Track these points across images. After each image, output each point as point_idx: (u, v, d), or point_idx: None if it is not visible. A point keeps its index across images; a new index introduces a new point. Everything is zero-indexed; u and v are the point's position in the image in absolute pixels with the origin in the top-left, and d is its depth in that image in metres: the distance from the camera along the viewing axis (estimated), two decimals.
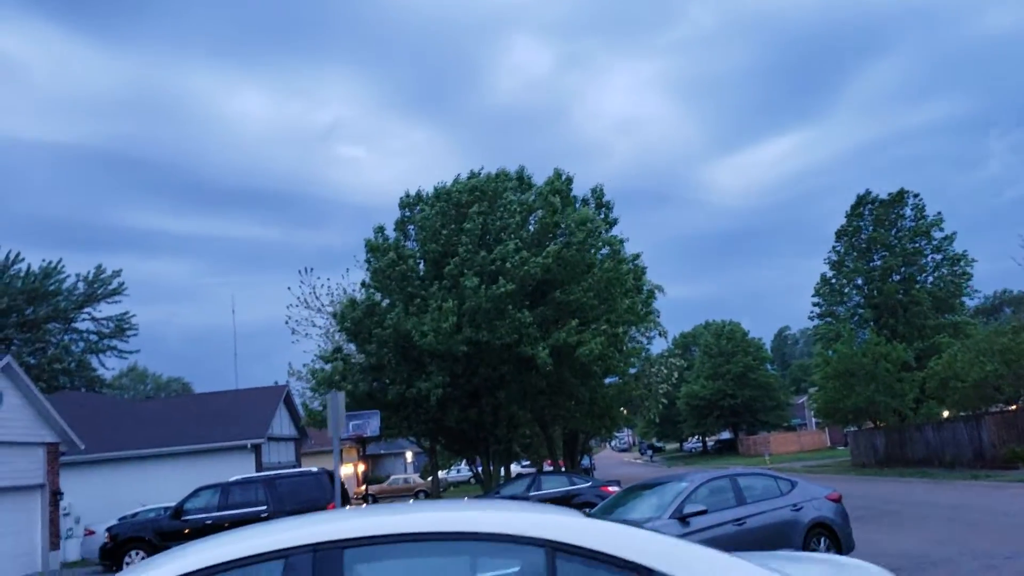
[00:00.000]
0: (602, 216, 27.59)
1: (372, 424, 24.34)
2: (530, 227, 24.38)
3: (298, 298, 40.39)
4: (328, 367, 25.01)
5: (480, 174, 25.80)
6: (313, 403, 27.63)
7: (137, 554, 18.69)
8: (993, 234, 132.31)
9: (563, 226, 23.70)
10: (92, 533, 22.16)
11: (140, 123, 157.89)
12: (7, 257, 41.35)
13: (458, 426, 25.05)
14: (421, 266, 24.97)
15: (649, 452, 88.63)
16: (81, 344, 40.57)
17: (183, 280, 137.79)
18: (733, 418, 75.47)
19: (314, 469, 22.20)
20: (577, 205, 26.41)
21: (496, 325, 22.89)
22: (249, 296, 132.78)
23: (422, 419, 25.43)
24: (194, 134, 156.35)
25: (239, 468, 29.44)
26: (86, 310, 42.57)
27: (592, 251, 24.10)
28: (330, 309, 40.18)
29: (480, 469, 28.34)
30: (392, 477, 47.96)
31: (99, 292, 42.13)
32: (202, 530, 18.99)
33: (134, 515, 22.03)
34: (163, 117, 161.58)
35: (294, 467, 34.40)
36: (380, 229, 26.75)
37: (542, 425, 26.82)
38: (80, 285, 42.08)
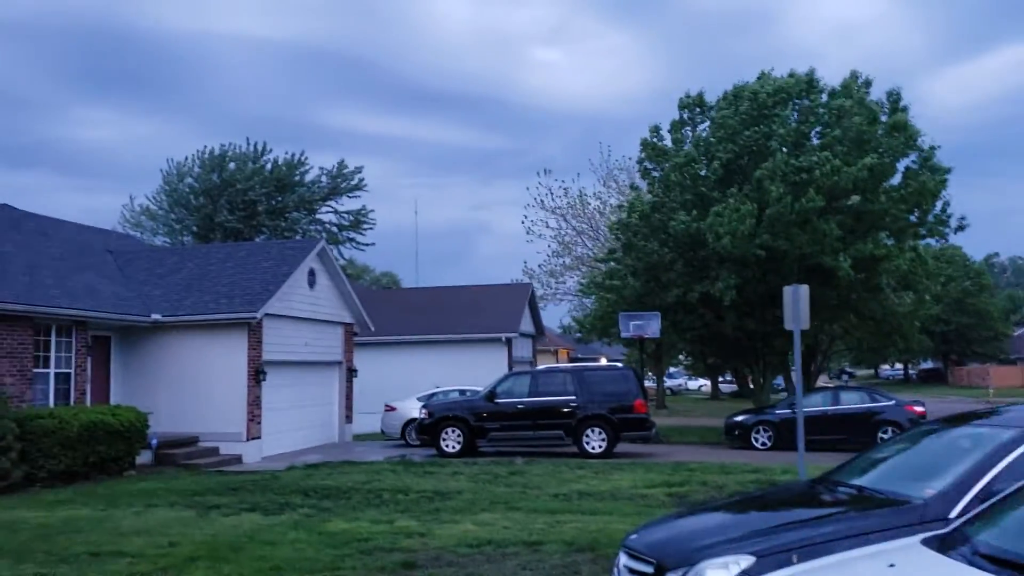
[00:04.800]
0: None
1: (652, 326, 24.34)
2: (836, 133, 22.87)
3: (535, 199, 41.10)
4: (604, 267, 24.95)
5: (770, 74, 24.44)
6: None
7: (453, 431, 19.62)
8: None
9: (876, 135, 22.11)
10: (392, 409, 23.53)
11: (344, 22, 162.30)
12: (255, 148, 43.83)
13: (734, 334, 24.55)
14: (712, 168, 24.13)
15: (845, 377, 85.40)
16: (324, 235, 42.74)
17: (374, 180, 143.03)
18: (944, 346, 71.10)
19: (620, 364, 22.53)
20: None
21: (795, 233, 21.94)
22: (436, 198, 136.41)
23: (695, 324, 25.12)
24: (395, 34, 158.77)
25: (492, 359, 30.46)
26: (329, 202, 44.77)
27: (902, 158, 22.46)
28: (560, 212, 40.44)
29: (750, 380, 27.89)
30: None
31: (342, 186, 44.09)
32: (514, 414, 19.73)
33: (431, 395, 23.12)
34: (365, 16, 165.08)
35: (530, 362, 35.36)
36: (655, 129, 26.11)
37: (815, 340, 25.87)
38: (324, 179, 44.16)
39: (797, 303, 10.50)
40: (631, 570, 4.89)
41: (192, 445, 18.34)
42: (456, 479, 14.36)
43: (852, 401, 21.53)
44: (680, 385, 66.45)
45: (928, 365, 79.48)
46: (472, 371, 27.75)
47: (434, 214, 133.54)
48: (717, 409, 39.97)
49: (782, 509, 5.23)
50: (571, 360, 52.71)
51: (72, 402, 16.69)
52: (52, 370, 16.48)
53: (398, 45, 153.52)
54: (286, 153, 43.70)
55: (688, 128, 26.08)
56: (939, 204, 24.15)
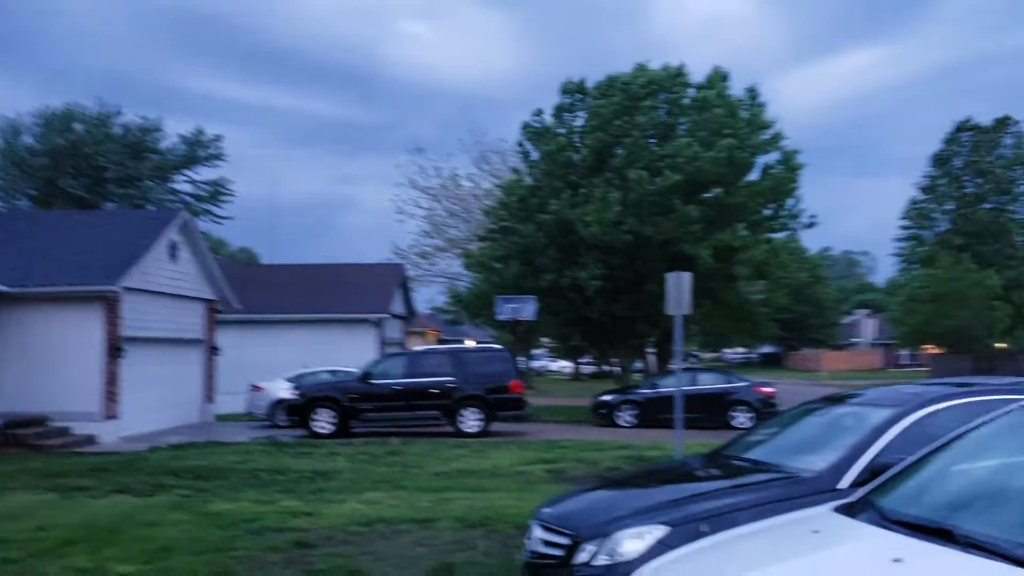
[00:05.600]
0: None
1: (528, 309, 24.80)
2: (696, 125, 24.03)
3: (406, 178, 40.71)
4: (479, 247, 25.21)
5: (647, 67, 25.34)
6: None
7: (325, 412, 19.36)
8: None
9: (736, 126, 23.40)
10: (260, 389, 22.89)
11: None
12: (106, 109, 41.12)
13: (601, 319, 25.42)
14: (582, 155, 24.80)
15: (693, 360, 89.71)
16: (180, 206, 40.75)
17: (230, 149, 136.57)
18: (783, 332, 76.03)
19: (497, 346, 22.78)
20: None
21: (658, 220, 22.94)
22: (296, 170, 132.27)
23: (567, 308, 25.82)
24: None
25: (362, 340, 30.12)
26: (185, 171, 42.66)
27: (761, 155, 23.91)
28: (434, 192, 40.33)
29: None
30: None
31: (199, 155, 42.10)
32: (389, 394, 19.68)
33: (300, 376, 22.66)
34: None
35: (401, 343, 35.21)
36: (538, 113, 26.52)
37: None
38: (180, 146, 42.03)
39: (680, 289, 11.04)
40: (546, 542, 5.10)
41: (42, 425, 17.20)
42: (334, 459, 14.23)
43: (708, 382, 22.84)
44: (543, 367, 68.06)
45: (768, 350, 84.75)
46: (341, 352, 27.29)
47: (294, 187, 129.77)
48: (579, 389, 41.24)
49: (687, 482, 5.59)
50: (439, 342, 52.83)
51: None
52: None
53: (258, 3, 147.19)
54: (139, 116, 41.23)
55: (568, 114, 26.62)
56: (791, 201, 25.86)
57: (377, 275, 33.26)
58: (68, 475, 12.09)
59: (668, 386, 22.54)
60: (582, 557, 4.74)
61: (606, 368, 62.78)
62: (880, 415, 5.20)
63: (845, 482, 4.72)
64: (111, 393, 18.13)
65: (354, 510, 9.27)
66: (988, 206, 47.86)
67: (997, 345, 41.07)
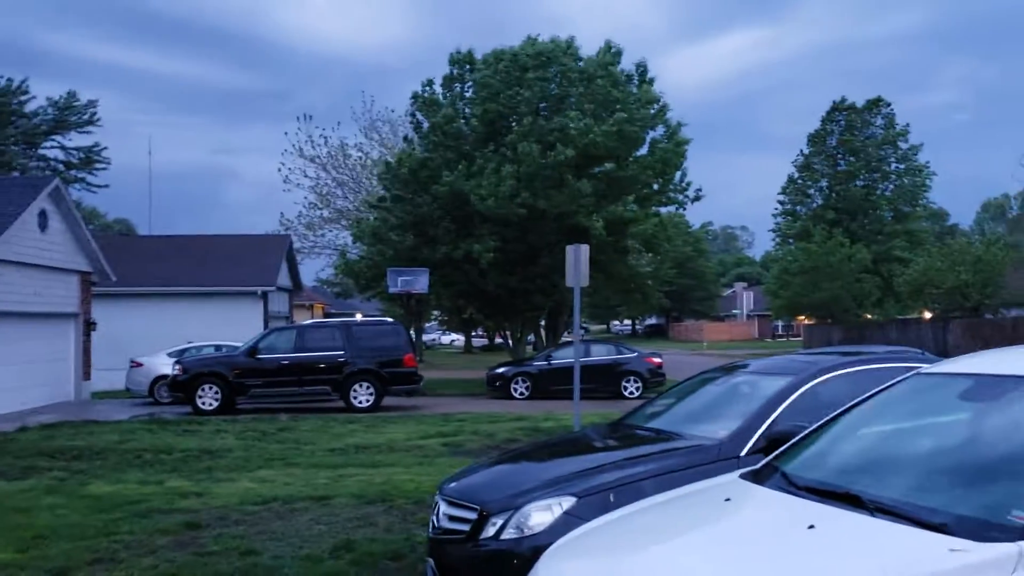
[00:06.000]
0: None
1: (421, 281, 24.58)
2: (584, 97, 24.21)
3: (294, 146, 39.33)
4: (372, 217, 24.74)
5: (537, 40, 25.31)
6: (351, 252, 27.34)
7: (211, 388, 18.68)
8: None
9: (626, 100, 23.71)
10: (139, 365, 21.83)
11: None
12: None
13: (496, 291, 25.45)
14: (472, 125, 24.62)
15: (582, 331, 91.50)
16: (48, 172, 38.21)
17: (103, 114, 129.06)
18: (667, 303, 78.52)
19: (389, 319, 22.39)
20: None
21: (551, 193, 23.07)
22: (174, 138, 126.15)
23: (461, 281, 25.71)
24: None
25: (248, 313, 29.24)
26: (55, 137, 39.98)
27: (650, 130, 24.32)
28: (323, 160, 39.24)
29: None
30: None
31: (71, 120, 39.47)
32: (277, 369, 19.13)
33: (183, 351, 21.76)
34: None
35: (287, 317, 34.35)
36: (429, 83, 26.15)
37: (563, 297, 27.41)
38: (49, 110, 39.28)
39: (578, 262, 11.12)
40: (452, 517, 5.02)
41: None
42: (222, 437, 13.74)
43: (600, 353, 23.26)
44: (434, 340, 67.84)
45: (652, 321, 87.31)
46: (225, 326, 26.43)
47: (171, 155, 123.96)
48: (472, 362, 41.36)
49: (591, 453, 5.61)
50: (326, 315, 51.79)
51: None
52: None
53: None
54: (1, 78, 38.28)
55: (458, 84, 26.35)
56: (678, 175, 26.49)
57: (262, 246, 32.24)
58: None
59: (562, 358, 22.91)
60: (489, 531, 4.69)
61: (498, 341, 63.33)
62: (777, 384, 5.36)
63: (746, 449, 4.85)
64: None
65: (247, 489, 8.97)
66: (860, 183, 50.47)
67: (866, 316, 43.54)
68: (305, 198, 39.73)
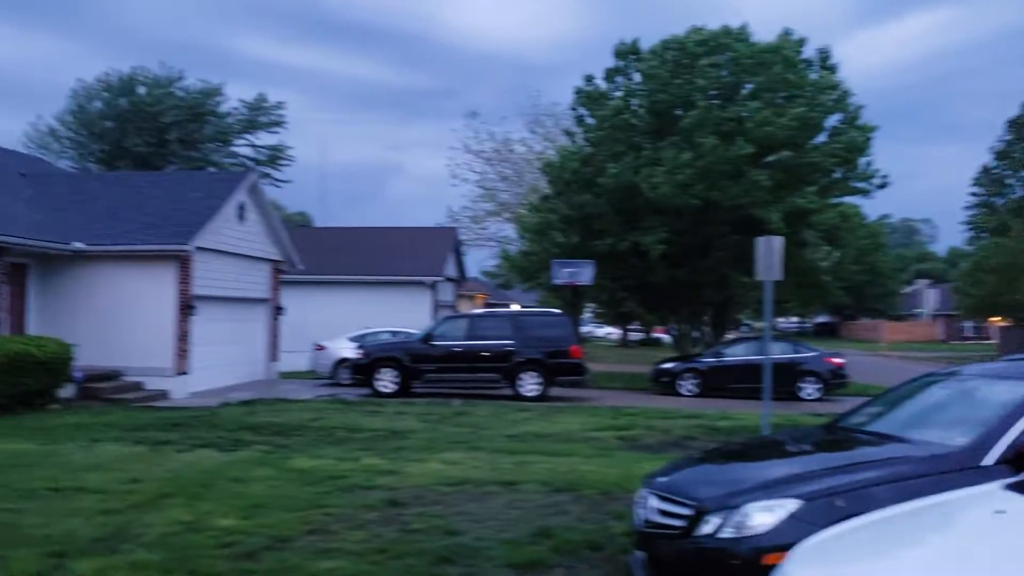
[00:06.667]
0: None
1: (586, 273, 24.51)
2: (760, 85, 23.32)
3: (461, 142, 40.49)
4: (533, 211, 24.96)
5: (703, 29, 24.64)
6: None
7: (389, 372, 19.50)
8: None
9: (803, 87, 22.67)
10: (323, 348, 23.13)
11: None
12: (168, 72, 41.58)
13: (664, 284, 25.05)
14: (640, 116, 24.27)
15: (745, 328, 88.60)
16: (240, 168, 41.20)
17: (290, 113, 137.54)
18: (847, 299, 74.61)
19: (556, 311, 22.65)
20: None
21: (727, 185, 22.41)
22: (348, 136, 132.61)
23: (625, 274, 25.50)
24: None
25: (416, 302, 30.26)
26: (246, 136, 43.02)
27: (828, 116, 23.18)
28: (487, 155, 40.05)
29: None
30: None
31: (260, 120, 42.37)
32: (449, 357, 19.73)
33: (362, 336, 22.83)
34: None
35: (453, 306, 35.29)
36: (590, 78, 26.01)
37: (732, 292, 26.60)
38: (242, 111, 42.33)
39: (770, 254, 10.75)
40: (665, 512, 4.96)
41: (115, 379, 17.60)
42: (403, 419, 14.29)
43: (777, 352, 22.20)
44: (589, 333, 67.74)
45: (822, 319, 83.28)
46: (396, 313, 27.50)
47: (344, 153, 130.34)
48: (629, 356, 41.06)
49: (807, 455, 5.39)
50: (487, 306, 52.87)
51: None
52: None
53: None
54: (200, 80, 41.62)
55: (622, 77, 26.06)
56: (863, 161, 24.98)
57: (431, 238, 33.27)
58: (148, 428, 12.34)
59: (734, 355, 22.24)
60: (706, 529, 4.59)
61: (655, 335, 62.26)
62: (1019, 390, 4.93)
63: (990, 459, 4.48)
64: (182, 350, 18.44)
65: (438, 471, 9.26)
66: None
67: None
68: (471, 192, 40.67)
